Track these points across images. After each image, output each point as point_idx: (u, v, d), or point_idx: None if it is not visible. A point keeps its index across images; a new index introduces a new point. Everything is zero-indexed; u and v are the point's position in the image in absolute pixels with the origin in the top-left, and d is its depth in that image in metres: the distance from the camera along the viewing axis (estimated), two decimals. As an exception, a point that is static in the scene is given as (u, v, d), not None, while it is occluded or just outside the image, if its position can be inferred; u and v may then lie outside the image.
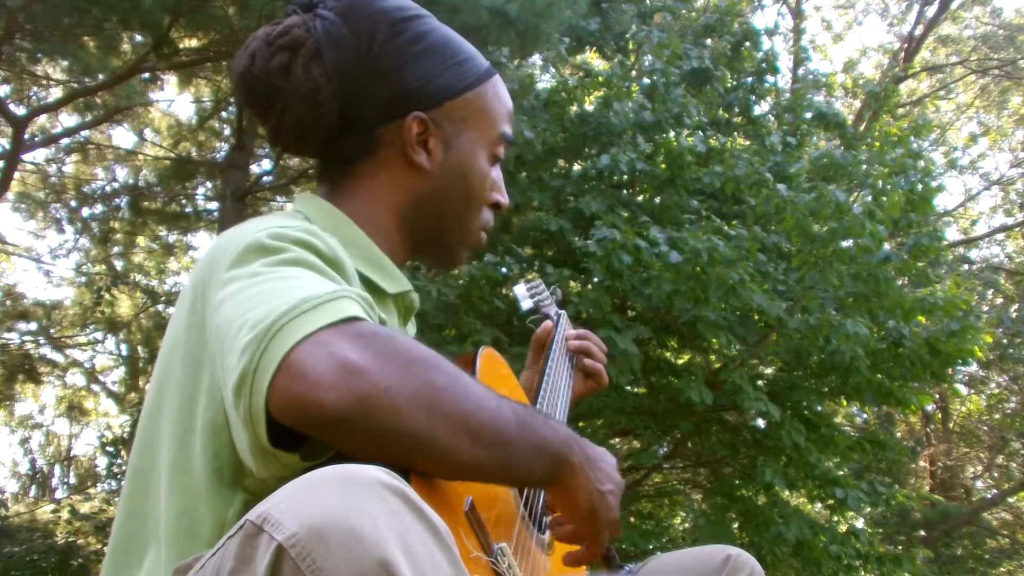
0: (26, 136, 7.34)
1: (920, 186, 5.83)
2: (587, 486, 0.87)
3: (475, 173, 1.07)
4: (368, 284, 0.97)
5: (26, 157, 8.30)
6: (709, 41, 7.24)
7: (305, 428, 0.72)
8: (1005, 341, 11.00)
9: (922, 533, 10.82)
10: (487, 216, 1.11)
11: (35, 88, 7.92)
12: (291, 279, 0.81)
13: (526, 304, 1.46)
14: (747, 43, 7.27)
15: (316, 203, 1.04)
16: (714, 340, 5.35)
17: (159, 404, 0.90)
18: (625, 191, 6.48)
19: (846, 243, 5.20)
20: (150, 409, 0.92)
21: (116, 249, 10.25)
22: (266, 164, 9.44)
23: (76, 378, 11.42)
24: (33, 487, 12.58)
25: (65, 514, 9.19)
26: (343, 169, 1.05)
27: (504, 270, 5.67)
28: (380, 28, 1.00)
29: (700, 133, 6.00)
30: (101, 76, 6.64)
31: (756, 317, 5.55)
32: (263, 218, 0.95)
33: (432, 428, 0.73)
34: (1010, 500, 12.45)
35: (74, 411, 11.93)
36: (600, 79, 6.41)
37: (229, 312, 0.80)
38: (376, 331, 0.76)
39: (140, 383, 10.73)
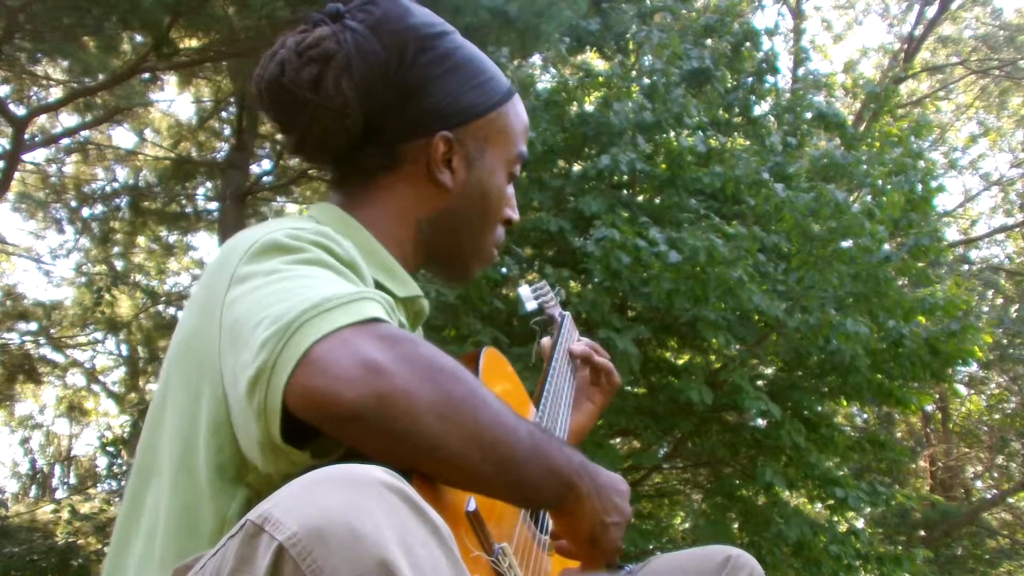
0: (26, 136, 7.35)
1: (920, 186, 5.83)
2: (591, 516, 0.87)
3: (494, 192, 1.09)
4: (379, 288, 0.97)
5: (26, 157, 8.31)
6: (709, 41, 7.23)
7: (321, 423, 0.73)
8: (1005, 341, 11.01)
9: (922, 533, 10.82)
10: (500, 233, 1.13)
11: (35, 88, 7.92)
12: (311, 278, 0.81)
13: (530, 305, 1.47)
14: (747, 43, 7.27)
15: (329, 210, 1.04)
16: (714, 340, 5.35)
17: (164, 401, 0.91)
18: (625, 191, 6.48)
19: (846, 243, 5.20)
20: (155, 407, 0.92)
21: (116, 249, 10.26)
22: (266, 164, 9.47)
23: (76, 378, 11.44)
24: (33, 487, 12.59)
25: (65, 514, 9.20)
26: (361, 180, 1.05)
27: (504, 270, 5.66)
28: (409, 44, 1.01)
29: (700, 133, 5.99)
30: (101, 76, 6.64)
31: (756, 317, 5.54)
32: (276, 220, 0.95)
33: (445, 436, 0.74)
34: (1010, 500, 12.46)
35: (74, 411, 11.93)
36: (600, 79, 6.41)
37: (246, 308, 0.80)
38: (399, 334, 0.76)
39: (140, 383, 10.74)
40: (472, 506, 0.81)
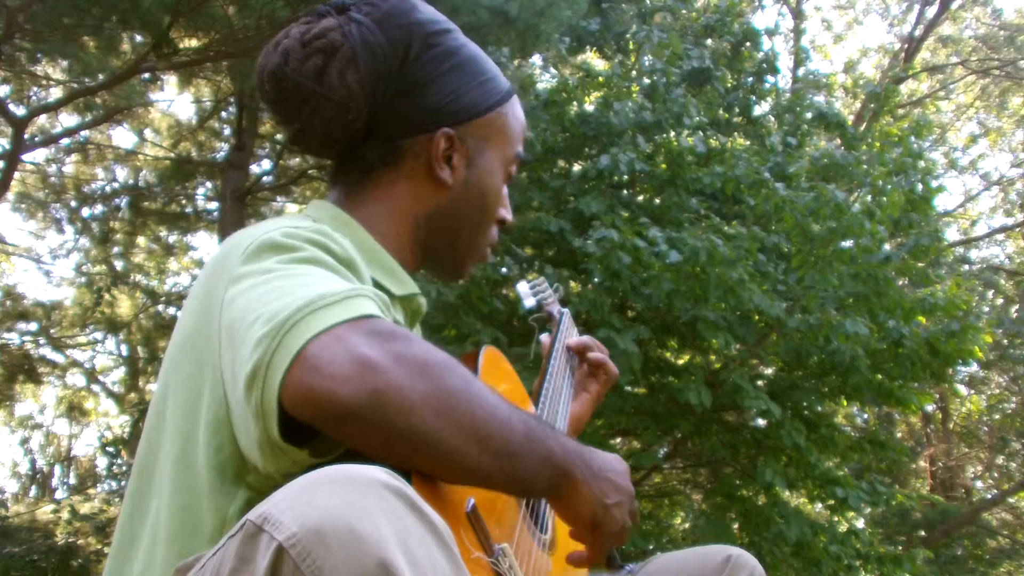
0: (26, 136, 7.34)
1: (920, 186, 5.82)
2: (589, 500, 0.86)
3: (492, 191, 1.09)
4: (376, 286, 0.97)
5: (26, 157, 8.31)
6: (709, 41, 7.24)
7: (316, 421, 0.72)
8: (1005, 341, 11.00)
9: (922, 533, 10.82)
10: (494, 232, 1.13)
11: (35, 88, 7.91)
12: (306, 276, 0.81)
13: (529, 302, 1.46)
14: (747, 43, 7.27)
15: (326, 208, 1.04)
16: (713, 341, 5.34)
17: (164, 401, 0.91)
18: (625, 191, 6.47)
19: (846, 243, 5.20)
20: (156, 407, 0.92)
21: (116, 249, 10.25)
22: (266, 164, 9.47)
23: (76, 378, 11.42)
24: (33, 487, 12.59)
25: (65, 514, 9.19)
26: (360, 176, 1.05)
27: (504, 270, 5.66)
28: (415, 40, 1.01)
29: (700, 133, 5.99)
30: (101, 76, 6.64)
31: (756, 317, 5.54)
32: (274, 219, 0.95)
33: (441, 431, 0.74)
34: (1010, 500, 12.45)
35: (74, 411, 11.92)
36: (600, 79, 6.41)
37: (242, 307, 0.80)
38: (393, 330, 0.76)
39: (140, 383, 10.73)
40: (471, 506, 0.81)
